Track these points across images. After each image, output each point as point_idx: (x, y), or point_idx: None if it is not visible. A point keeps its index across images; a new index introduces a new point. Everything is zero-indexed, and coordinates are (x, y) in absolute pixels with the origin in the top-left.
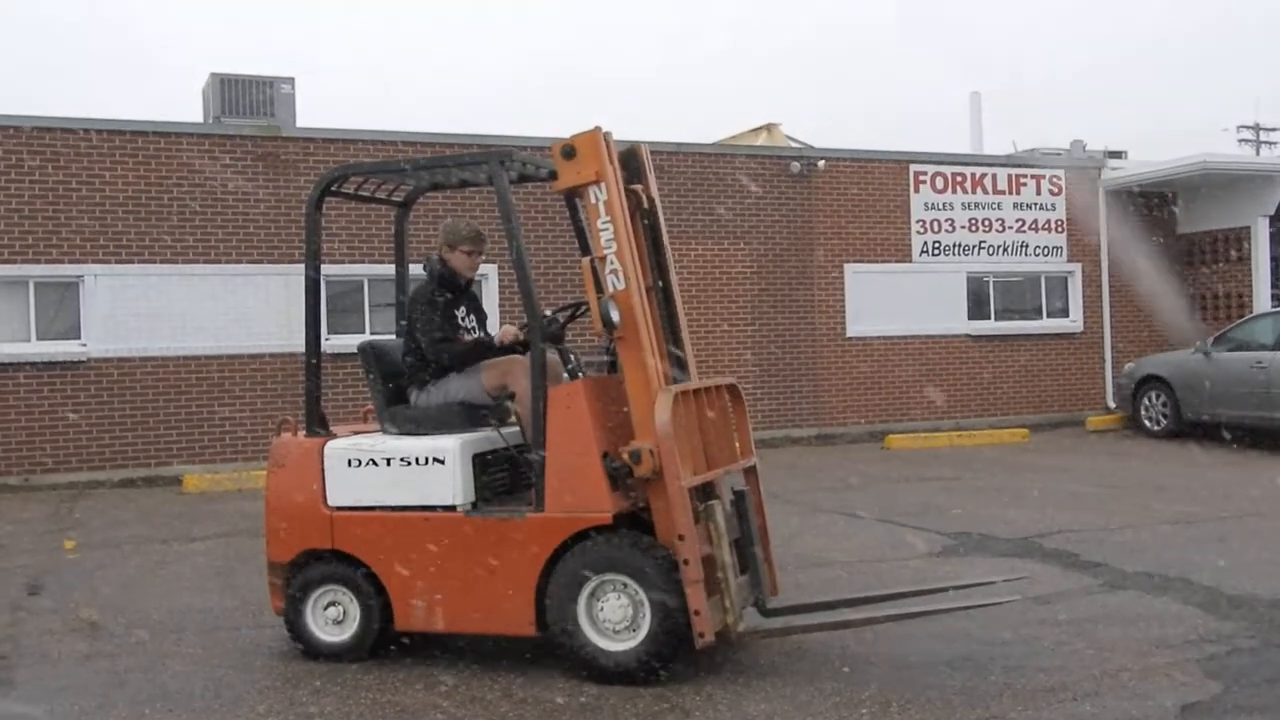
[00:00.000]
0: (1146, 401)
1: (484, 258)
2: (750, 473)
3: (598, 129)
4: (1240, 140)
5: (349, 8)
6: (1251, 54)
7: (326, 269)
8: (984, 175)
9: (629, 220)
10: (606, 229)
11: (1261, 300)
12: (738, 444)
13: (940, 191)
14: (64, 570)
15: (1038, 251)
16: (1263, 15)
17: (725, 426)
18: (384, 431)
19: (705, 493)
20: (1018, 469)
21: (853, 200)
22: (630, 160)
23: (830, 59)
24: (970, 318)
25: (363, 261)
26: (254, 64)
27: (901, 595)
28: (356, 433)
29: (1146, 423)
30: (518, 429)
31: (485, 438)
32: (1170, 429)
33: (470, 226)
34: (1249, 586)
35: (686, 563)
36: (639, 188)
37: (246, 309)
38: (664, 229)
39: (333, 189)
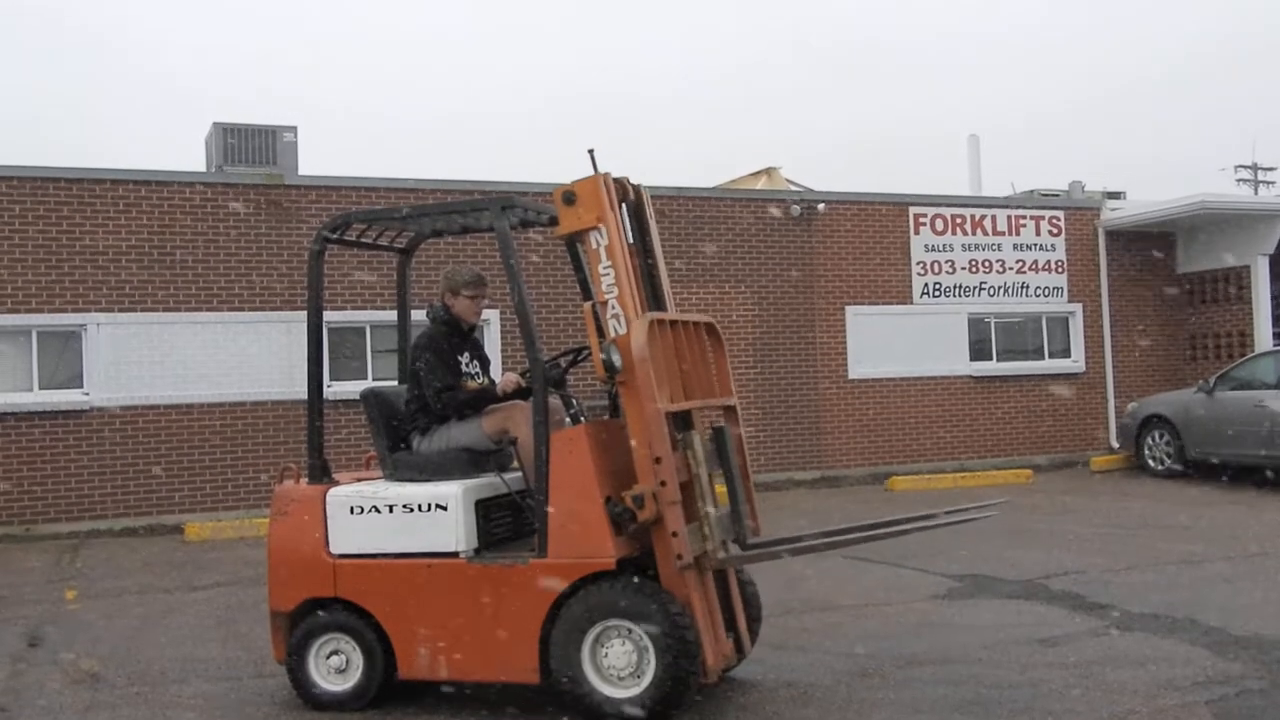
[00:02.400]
0: (1150, 441)
1: (486, 301)
2: (730, 412)
3: (598, 175)
4: (1238, 180)
5: (351, 58)
6: (1248, 94)
7: (328, 315)
8: (984, 217)
9: (630, 263)
10: (608, 274)
11: (1262, 339)
12: (717, 382)
13: (940, 233)
14: (65, 621)
15: (1038, 292)
16: (1259, 55)
17: (704, 361)
18: (386, 478)
19: (684, 425)
20: (1022, 510)
21: (853, 242)
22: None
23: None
24: (972, 359)
25: (365, 308)
26: (256, 113)
27: (880, 524)
28: (359, 479)
29: (1150, 462)
30: (520, 474)
31: (488, 483)
32: (1174, 469)
33: (471, 271)
34: (1256, 627)
35: (664, 484)
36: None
37: (248, 356)
38: (663, 271)
39: (335, 236)
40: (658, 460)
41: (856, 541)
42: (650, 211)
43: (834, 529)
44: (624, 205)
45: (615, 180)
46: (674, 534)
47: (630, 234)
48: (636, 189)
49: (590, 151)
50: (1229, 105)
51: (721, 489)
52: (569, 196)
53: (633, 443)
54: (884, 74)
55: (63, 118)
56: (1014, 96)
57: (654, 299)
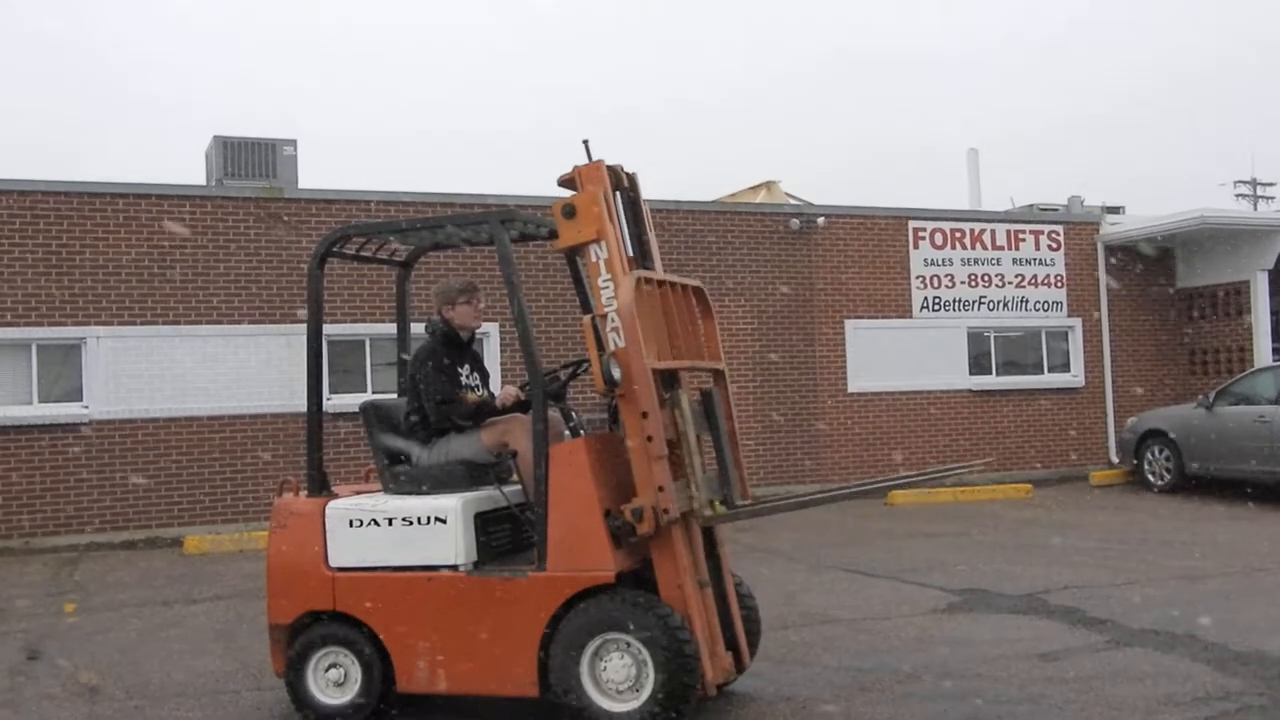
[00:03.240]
0: (1150, 456)
1: (483, 305)
2: (719, 377)
3: (597, 189)
4: (1238, 195)
5: (351, 72)
6: (1247, 110)
7: (328, 329)
8: (983, 231)
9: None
10: (607, 287)
11: (1262, 354)
12: (705, 346)
13: (940, 247)
14: (64, 634)
15: (1038, 306)
16: (1257, 70)
17: (692, 323)
18: (385, 491)
19: (672, 386)
20: (1021, 524)
21: (853, 256)
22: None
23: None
24: (971, 373)
25: (364, 321)
26: (256, 126)
27: (865, 484)
28: (358, 493)
29: (1150, 477)
30: (519, 487)
31: (487, 496)
32: (1174, 484)
33: (461, 280)
34: (1256, 643)
35: (650, 439)
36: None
37: (248, 369)
38: (658, 262)
39: (334, 250)
40: (644, 415)
41: (843, 498)
42: (643, 198)
43: (819, 491)
44: (618, 193)
45: (609, 167)
46: (660, 489)
47: (625, 222)
48: (630, 176)
49: (585, 142)
50: (1228, 120)
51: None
52: (568, 210)
53: (629, 444)
54: (882, 89)
55: (62, 131)
56: (1012, 111)
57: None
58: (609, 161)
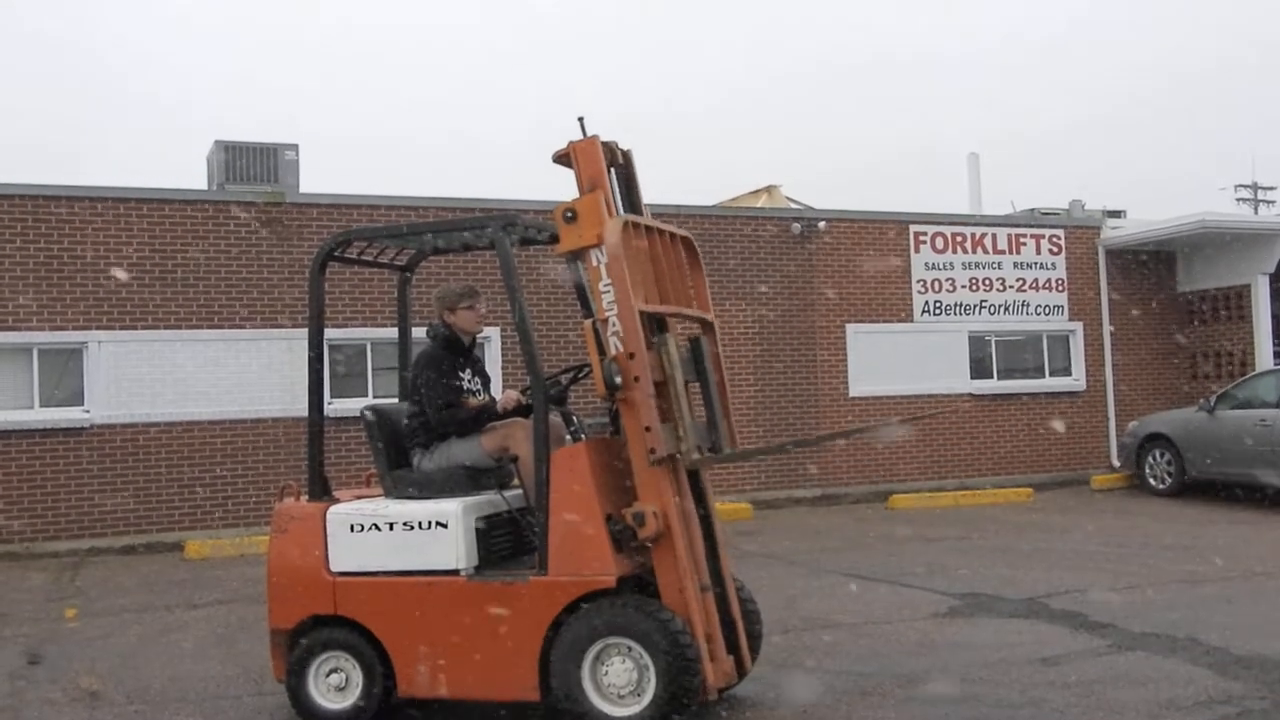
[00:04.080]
0: (1151, 460)
1: (485, 310)
2: (708, 328)
3: (598, 191)
4: (1238, 199)
5: (352, 72)
6: (1248, 113)
7: (329, 333)
8: (984, 235)
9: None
10: (608, 291)
11: (1263, 358)
12: (694, 296)
13: (940, 251)
14: (65, 639)
15: (1039, 310)
16: (1257, 73)
17: (679, 271)
18: (387, 496)
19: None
20: (1023, 529)
21: (854, 261)
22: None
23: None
24: (973, 377)
25: (366, 325)
26: (256, 128)
27: (849, 430)
28: (359, 497)
29: (1151, 481)
30: (520, 492)
31: (488, 501)
32: (1175, 487)
33: (461, 284)
34: (1258, 647)
35: (637, 380)
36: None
37: (249, 374)
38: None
39: (336, 254)
40: (631, 355)
41: (829, 439)
42: (638, 176)
43: (804, 437)
44: (612, 170)
45: (604, 144)
46: (647, 428)
47: (620, 198)
48: (625, 153)
49: (580, 119)
50: (1229, 123)
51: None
52: (570, 214)
53: (632, 449)
54: (882, 92)
55: (62, 132)
56: (1012, 113)
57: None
58: (604, 138)
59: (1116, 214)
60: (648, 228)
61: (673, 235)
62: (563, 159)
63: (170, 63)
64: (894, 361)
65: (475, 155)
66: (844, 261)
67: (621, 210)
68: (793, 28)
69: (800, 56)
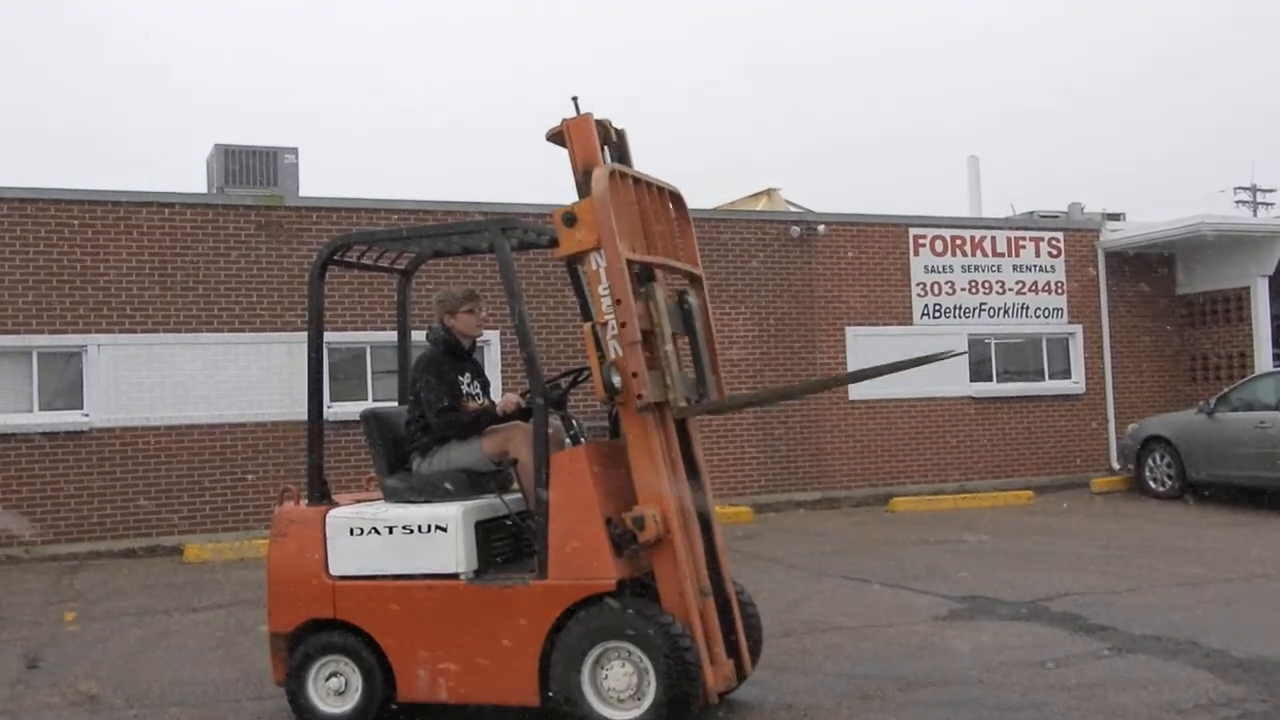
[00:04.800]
0: (1151, 462)
1: (485, 313)
2: (696, 282)
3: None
4: (1237, 201)
5: (353, 77)
6: (1247, 115)
7: (329, 336)
8: (983, 238)
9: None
10: (608, 294)
11: (1263, 360)
12: (682, 249)
13: (940, 254)
14: (64, 643)
15: (1038, 313)
16: (1259, 76)
17: (667, 222)
18: (386, 499)
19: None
20: (1023, 531)
21: (853, 264)
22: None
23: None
24: (972, 380)
25: (365, 329)
26: (255, 131)
27: (838, 377)
28: (359, 501)
29: (1151, 484)
30: (520, 495)
31: (488, 504)
32: (1175, 490)
33: (462, 288)
34: (1259, 649)
35: (624, 325)
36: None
37: (249, 377)
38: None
39: (335, 258)
40: (618, 301)
41: (820, 386)
42: (631, 154)
43: (794, 385)
44: (605, 148)
45: (597, 122)
46: (634, 374)
47: None
48: (619, 132)
49: (574, 98)
50: (1228, 125)
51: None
52: (569, 218)
53: (631, 452)
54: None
55: (64, 138)
56: (1013, 115)
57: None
58: (597, 116)
59: (1116, 217)
60: (635, 179)
61: (660, 189)
62: (556, 137)
63: (169, 68)
64: None
65: (476, 159)
66: (843, 264)
67: None
68: (790, 26)
69: (797, 53)
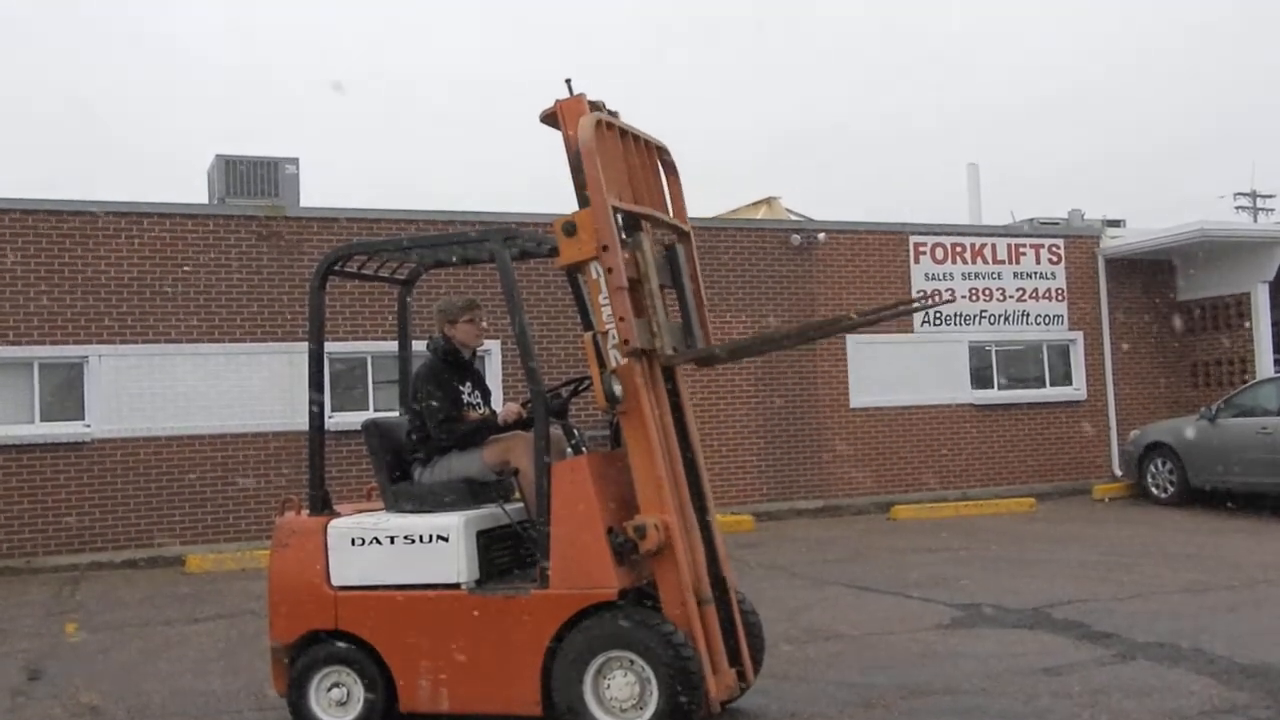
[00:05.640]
0: (1153, 469)
1: (485, 323)
2: (685, 238)
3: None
4: (1237, 207)
5: (353, 90)
6: (1247, 120)
7: (330, 346)
8: (983, 245)
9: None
10: (608, 303)
11: (1264, 366)
12: (670, 203)
13: (940, 262)
14: (65, 654)
15: (1039, 320)
16: (1260, 81)
17: (654, 175)
18: (388, 509)
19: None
20: (1025, 539)
21: (853, 272)
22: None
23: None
24: (974, 387)
25: (366, 339)
26: (255, 141)
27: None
28: (360, 511)
29: (1154, 490)
30: (521, 505)
31: (489, 514)
32: (1177, 496)
33: (462, 298)
34: (1262, 656)
35: (610, 271)
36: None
37: (250, 387)
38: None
39: (336, 268)
40: (604, 248)
41: (807, 337)
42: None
43: (787, 331)
44: None
45: (591, 103)
46: (620, 319)
47: None
48: (612, 114)
49: (567, 80)
50: (1228, 130)
51: None
52: (569, 227)
53: (633, 460)
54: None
55: (64, 152)
56: (1016, 122)
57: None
58: (590, 97)
59: (1115, 223)
60: (623, 131)
61: (648, 143)
62: (550, 118)
63: (169, 77)
64: (895, 372)
65: (476, 169)
66: (844, 273)
67: None
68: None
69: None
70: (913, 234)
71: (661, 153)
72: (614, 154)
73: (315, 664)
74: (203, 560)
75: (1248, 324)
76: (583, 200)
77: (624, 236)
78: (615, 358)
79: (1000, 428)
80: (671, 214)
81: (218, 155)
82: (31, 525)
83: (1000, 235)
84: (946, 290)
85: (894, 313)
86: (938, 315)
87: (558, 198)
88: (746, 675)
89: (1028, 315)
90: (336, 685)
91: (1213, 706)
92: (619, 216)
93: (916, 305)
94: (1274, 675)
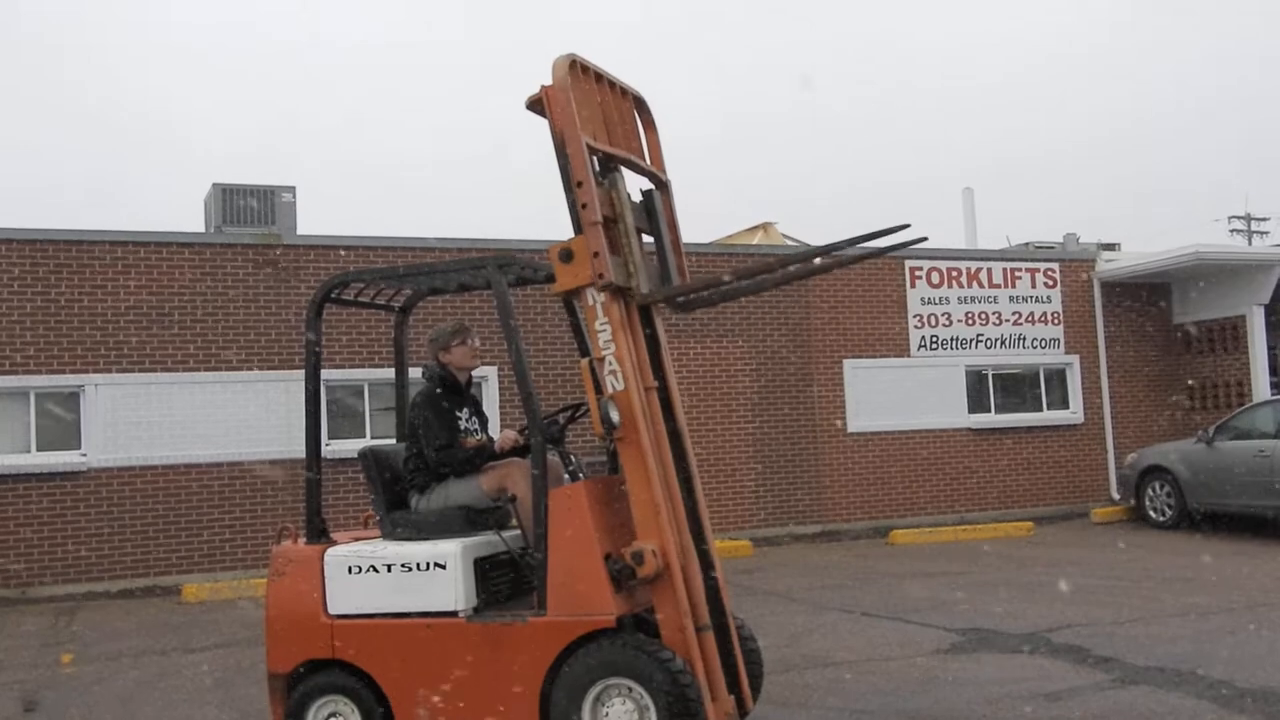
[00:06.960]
0: (1150, 492)
1: (478, 344)
2: (663, 188)
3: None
4: (1232, 230)
5: (350, 117)
6: (1241, 144)
7: (327, 374)
8: (979, 269)
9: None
10: (604, 330)
11: (1260, 388)
12: (648, 152)
13: (936, 286)
14: (61, 685)
15: (1035, 343)
16: (1253, 103)
17: (630, 124)
18: (385, 537)
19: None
20: (1024, 563)
21: (850, 296)
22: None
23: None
24: (970, 411)
25: (363, 366)
26: (255, 173)
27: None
28: (357, 539)
29: (1151, 513)
30: (519, 532)
31: (486, 541)
32: (1175, 519)
33: (452, 322)
34: (1262, 679)
35: (584, 206)
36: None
37: (247, 416)
38: (660, 327)
39: (333, 295)
40: (578, 184)
41: (790, 277)
42: None
43: (768, 271)
44: None
45: (584, 68)
46: (595, 254)
47: None
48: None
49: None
50: (1222, 154)
51: None
52: (566, 254)
53: (630, 487)
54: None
55: (62, 179)
56: (1003, 145)
57: (653, 352)
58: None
59: (1111, 247)
60: (599, 76)
61: (624, 90)
62: (536, 105)
63: (172, 104)
64: (891, 396)
65: (471, 196)
66: (840, 297)
67: None
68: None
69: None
70: (909, 258)
71: (640, 105)
72: (589, 96)
73: (312, 693)
74: (199, 589)
75: (1244, 347)
76: (569, 187)
77: (600, 179)
78: (612, 384)
79: (998, 451)
80: (649, 160)
81: (214, 184)
82: (27, 555)
83: (996, 259)
84: (944, 315)
85: (865, 238)
86: (934, 339)
87: (555, 225)
88: (745, 702)
89: (1024, 339)
90: (334, 715)
91: None
92: (595, 159)
93: (880, 233)
94: (1274, 698)
